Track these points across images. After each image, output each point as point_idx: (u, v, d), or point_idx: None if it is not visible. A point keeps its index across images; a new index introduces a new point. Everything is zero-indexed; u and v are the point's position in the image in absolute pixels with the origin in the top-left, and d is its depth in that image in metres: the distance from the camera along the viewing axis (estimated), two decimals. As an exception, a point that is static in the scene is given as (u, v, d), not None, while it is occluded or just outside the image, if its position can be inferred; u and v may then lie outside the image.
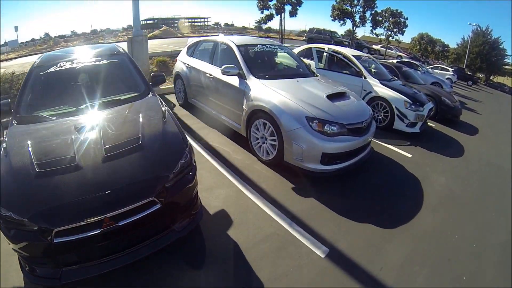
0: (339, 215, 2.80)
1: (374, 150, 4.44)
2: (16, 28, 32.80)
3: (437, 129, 6.48)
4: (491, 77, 34.93)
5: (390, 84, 5.57)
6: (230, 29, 40.60)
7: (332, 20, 18.93)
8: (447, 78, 18.41)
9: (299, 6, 16.39)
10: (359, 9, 18.21)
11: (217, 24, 53.02)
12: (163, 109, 2.51)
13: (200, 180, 3.04)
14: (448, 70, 19.31)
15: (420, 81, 8.33)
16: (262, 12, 16.70)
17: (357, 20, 18.52)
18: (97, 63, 2.95)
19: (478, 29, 34.39)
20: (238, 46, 4.10)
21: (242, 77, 3.78)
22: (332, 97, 3.45)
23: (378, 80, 5.52)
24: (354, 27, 18.78)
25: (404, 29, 21.47)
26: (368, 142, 3.58)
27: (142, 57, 7.41)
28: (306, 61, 6.42)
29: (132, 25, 7.70)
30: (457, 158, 4.89)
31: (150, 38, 25.79)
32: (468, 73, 27.76)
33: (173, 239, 1.95)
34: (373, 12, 18.62)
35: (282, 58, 5.14)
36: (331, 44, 20.48)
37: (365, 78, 5.57)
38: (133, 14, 7.39)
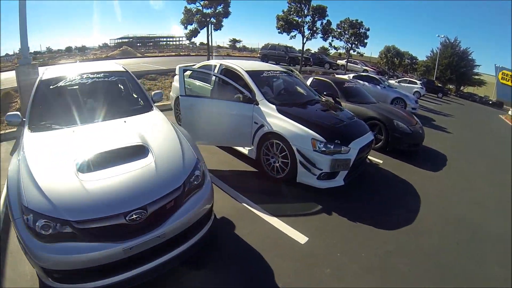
0: None
1: (233, 232, 2.32)
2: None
3: (384, 169, 4.49)
4: (462, 88, 35.07)
5: (295, 111, 3.52)
6: (204, 47, 38.87)
7: (279, 33, 17.41)
8: (415, 92, 17.22)
9: (226, 17, 14.86)
10: (309, 19, 16.78)
11: (192, 43, 51.69)
12: None
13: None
14: (415, 83, 18.22)
15: (369, 99, 6.48)
16: (185, 28, 15.05)
17: (306, 31, 16.98)
18: None
19: (447, 41, 34.91)
20: (41, 81, 3.05)
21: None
22: (93, 163, 1.95)
23: (276, 105, 3.50)
24: (305, 40, 17.27)
25: (365, 41, 20.24)
26: (173, 235, 1.86)
27: (30, 89, 5.80)
28: (200, 84, 4.47)
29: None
30: (398, 230, 2.82)
31: (107, 58, 23.83)
32: (438, 85, 27.22)
33: None
34: (325, 22, 17.27)
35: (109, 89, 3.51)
36: (286, 61, 19.09)
37: (257, 104, 3.56)
38: (20, 38, 5.65)
